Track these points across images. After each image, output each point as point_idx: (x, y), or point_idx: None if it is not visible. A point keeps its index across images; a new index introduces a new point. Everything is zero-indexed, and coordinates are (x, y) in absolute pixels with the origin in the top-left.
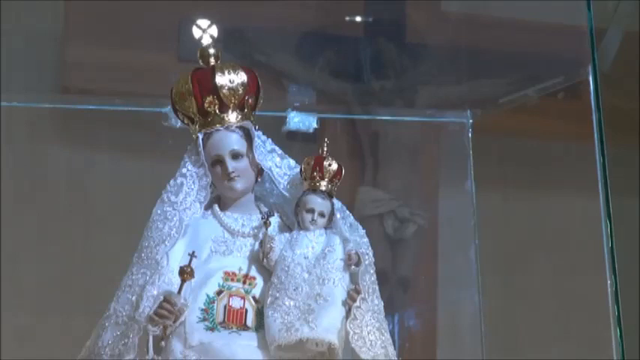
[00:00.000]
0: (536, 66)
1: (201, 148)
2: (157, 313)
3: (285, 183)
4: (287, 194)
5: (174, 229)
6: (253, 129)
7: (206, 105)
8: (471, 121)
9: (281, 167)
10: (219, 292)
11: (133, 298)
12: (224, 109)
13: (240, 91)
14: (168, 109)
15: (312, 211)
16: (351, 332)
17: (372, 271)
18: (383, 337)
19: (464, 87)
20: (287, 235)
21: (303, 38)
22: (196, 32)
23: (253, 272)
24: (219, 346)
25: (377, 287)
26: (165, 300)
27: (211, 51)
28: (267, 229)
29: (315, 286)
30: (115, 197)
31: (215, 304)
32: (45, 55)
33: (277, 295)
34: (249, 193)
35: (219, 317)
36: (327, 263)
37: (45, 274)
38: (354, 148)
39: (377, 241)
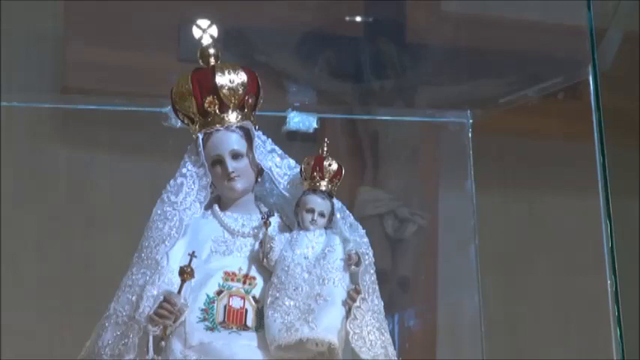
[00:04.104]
0: (536, 66)
1: (201, 148)
2: (157, 313)
3: (285, 183)
4: (287, 194)
5: (175, 229)
6: (253, 129)
7: (206, 105)
8: (471, 121)
9: (281, 167)
10: (219, 292)
11: (133, 298)
12: (224, 109)
13: (240, 91)
14: (168, 109)
15: (312, 211)
16: (351, 332)
17: (372, 271)
18: (383, 337)
19: (464, 87)
20: (287, 235)
21: (303, 38)
22: (196, 32)
23: (253, 272)
24: (219, 346)
25: (377, 287)
26: (165, 300)
27: (211, 51)
28: (267, 229)
29: (315, 286)
30: (115, 197)
31: (215, 304)
32: (45, 55)
33: (277, 295)
34: (249, 193)
35: (219, 317)
36: (327, 263)
37: (45, 274)
38: (354, 148)
39: (377, 241)
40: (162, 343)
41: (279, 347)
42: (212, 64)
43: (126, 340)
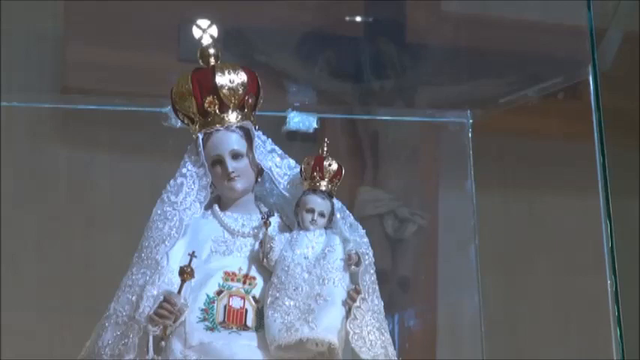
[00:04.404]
0: (536, 66)
1: (201, 148)
2: (156, 313)
3: (285, 183)
4: (287, 194)
5: (175, 229)
6: (253, 129)
7: (206, 105)
8: (471, 121)
9: (281, 167)
10: (219, 292)
11: (133, 298)
12: (224, 109)
13: (240, 91)
14: (168, 109)
15: (312, 211)
16: (351, 332)
17: (372, 271)
18: (383, 337)
19: (464, 87)
20: (287, 235)
21: (303, 38)
22: (196, 32)
23: (253, 272)
24: (220, 346)
25: (377, 287)
26: (165, 300)
27: (211, 51)
28: (267, 229)
29: (315, 286)
30: (115, 197)
31: (215, 304)
32: (45, 55)
33: (277, 295)
34: (249, 193)
35: (219, 317)
36: (327, 263)
37: (45, 274)
38: (354, 148)
39: (377, 241)
40: (162, 343)
41: (279, 347)
42: (212, 64)
43: (126, 340)
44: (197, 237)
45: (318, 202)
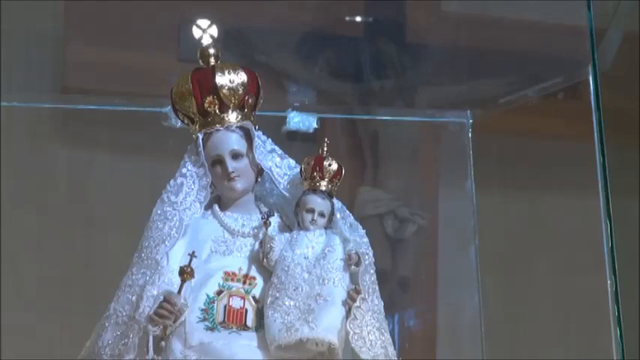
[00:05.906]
0: (536, 66)
1: (201, 148)
2: (156, 313)
3: (285, 183)
4: (287, 194)
5: (175, 229)
6: (253, 129)
7: (206, 105)
8: (471, 121)
9: (281, 167)
10: (219, 292)
11: (133, 298)
12: (224, 109)
13: (240, 91)
14: (168, 109)
15: (312, 211)
16: (351, 332)
17: (372, 271)
18: (383, 337)
19: (464, 87)
20: (287, 235)
21: (303, 38)
22: (196, 32)
23: (253, 272)
24: (220, 346)
25: (377, 287)
26: (165, 300)
27: (211, 51)
28: (267, 229)
29: (315, 286)
30: (115, 197)
31: (215, 304)
32: (45, 55)
33: (277, 295)
34: (249, 193)
35: (219, 317)
36: (327, 263)
37: (45, 274)
38: (354, 148)
39: (377, 241)
40: (162, 343)
41: (279, 347)
42: (212, 64)
43: (126, 340)
44: (197, 237)
45: (318, 202)
